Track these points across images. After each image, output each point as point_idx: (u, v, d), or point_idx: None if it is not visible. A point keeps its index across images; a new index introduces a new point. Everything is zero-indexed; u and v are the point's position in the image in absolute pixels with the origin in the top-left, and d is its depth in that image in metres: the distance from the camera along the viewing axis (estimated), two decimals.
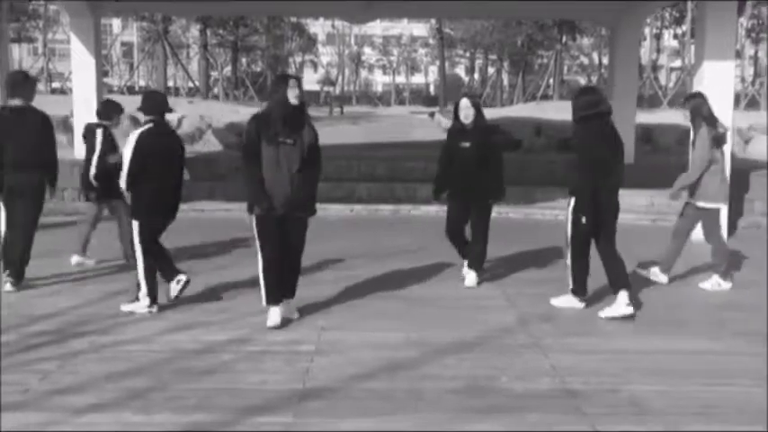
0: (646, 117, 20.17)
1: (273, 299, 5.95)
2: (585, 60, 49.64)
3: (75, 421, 4.10)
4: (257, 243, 5.98)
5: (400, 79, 71.72)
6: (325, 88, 60.30)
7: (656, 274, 7.60)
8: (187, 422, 4.11)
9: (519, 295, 7.02)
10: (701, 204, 7.32)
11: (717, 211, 7.39)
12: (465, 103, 7.35)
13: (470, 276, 7.45)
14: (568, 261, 6.54)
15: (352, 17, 15.74)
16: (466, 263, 7.57)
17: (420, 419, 4.21)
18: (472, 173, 7.21)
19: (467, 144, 7.23)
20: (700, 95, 7.66)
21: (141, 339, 5.58)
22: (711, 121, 7.22)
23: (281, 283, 6.00)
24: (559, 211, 11.97)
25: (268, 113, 5.89)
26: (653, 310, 6.58)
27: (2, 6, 9.94)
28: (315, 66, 64.58)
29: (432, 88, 68.18)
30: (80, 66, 13.50)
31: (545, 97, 35.21)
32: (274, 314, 5.94)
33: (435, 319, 6.24)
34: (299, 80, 5.99)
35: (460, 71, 67.26)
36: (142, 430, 4.03)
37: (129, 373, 4.86)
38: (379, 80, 76.81)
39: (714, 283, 7.38)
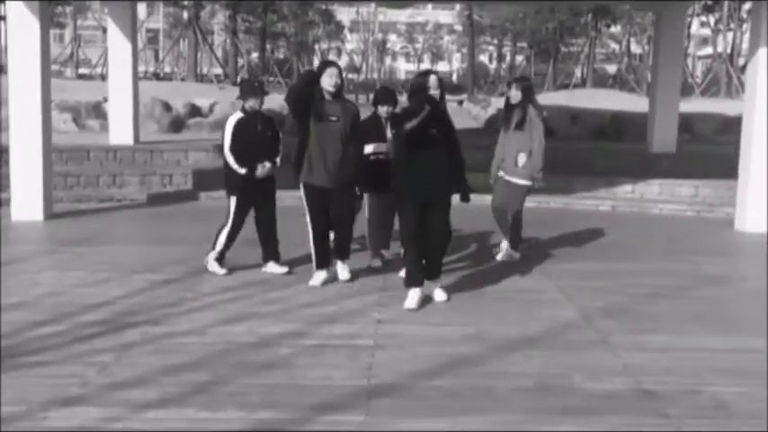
0: (682, 106, 19.80)
1: (322, 263, 6.72)
2: (617, 48, 48.95)
3: (140, 417, 3.97)
4: (307, 213, 6.66)
5: (424, 67, 71.33)
6: (350, 75, 60.07)
7: (509, 253, 7.76)
8: (255, 420, 3.96)
9: (573, 288, 6.80)
10: (508, 178, 7.65)
11: (524, 187, 7.68)
12: (434, 81, 6.04)
13: (438, 292, 6.34)
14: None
15: (391, 2, 15.52)
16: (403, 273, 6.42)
17: (494, 420, 4.04)
18: (435, 164, 6.05)
19: (433, 131, 6.01)
20: (527, 79, 8.47)
21: (194, 331, 5.44)
22: (537, 104, 7.64)
23: (329, 250, 6.77)
24: (599, 201, 11.74)
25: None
26: (720, 306, 6.36)
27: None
28: (339, 52, 64.37)
29: (455, 77, 67.59)
30: (116, 52, 13.39)
31: (576, 85, 34.72)
32: (318, 276, 6.70)
33: (492, 312, 6.05)
34: (339, 67, 6.64)
35: (485, 59, 66.70)
36: (211, 429, 3.88)
37: (187, 366, 4.73)
38: (403, 68, 76.45)
39: (505, 254, 7.75)
